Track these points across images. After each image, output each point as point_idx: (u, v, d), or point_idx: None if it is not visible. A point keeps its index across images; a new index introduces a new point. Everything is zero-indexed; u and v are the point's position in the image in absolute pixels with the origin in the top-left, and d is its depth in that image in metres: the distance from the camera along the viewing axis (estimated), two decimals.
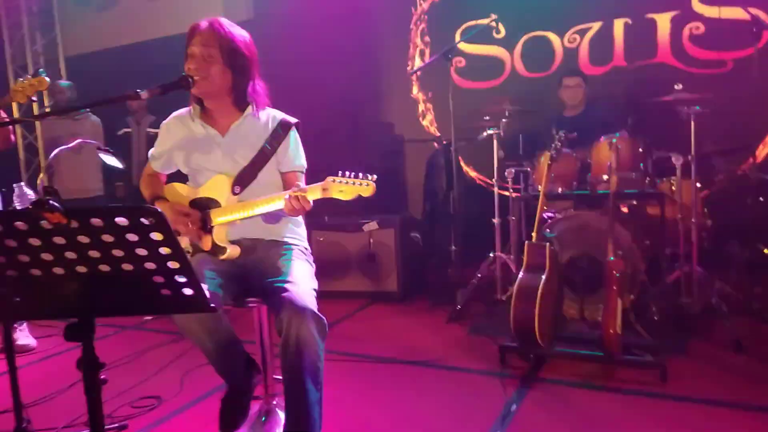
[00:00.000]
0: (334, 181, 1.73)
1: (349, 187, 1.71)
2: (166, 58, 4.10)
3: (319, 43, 4.60)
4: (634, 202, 3.34)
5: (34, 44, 5.67)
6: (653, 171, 3.26)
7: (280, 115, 2.05)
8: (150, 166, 2.09)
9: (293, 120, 2.06)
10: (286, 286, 1.73)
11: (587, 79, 3.75)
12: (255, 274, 1.92)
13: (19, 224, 1.00)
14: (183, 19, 5.03)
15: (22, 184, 2.02)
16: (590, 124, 3.49)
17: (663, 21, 3.91)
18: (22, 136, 5.65)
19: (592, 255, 2.95)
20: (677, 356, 2.63)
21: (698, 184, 3.14)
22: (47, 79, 2.48)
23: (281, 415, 2.16)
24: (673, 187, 3.24)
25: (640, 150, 3.20)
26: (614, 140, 2.86)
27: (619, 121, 3.41)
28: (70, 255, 1.06)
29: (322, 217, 4.05)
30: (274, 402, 2.20)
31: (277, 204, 1.81)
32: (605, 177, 3.04)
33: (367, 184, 1.71)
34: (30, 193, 2.04)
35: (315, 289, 1.83)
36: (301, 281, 1.79)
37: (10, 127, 2.78)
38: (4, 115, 2.82)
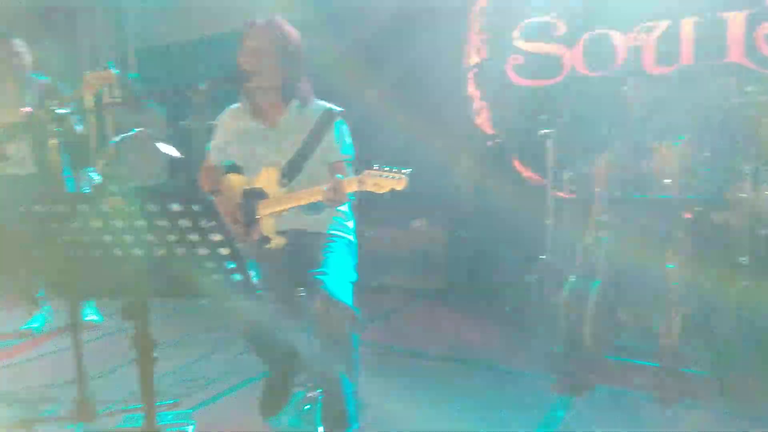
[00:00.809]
0: (369, 174, 1.74)
1: (383, 180, 1.71)
2: (230, 52, 4.25)
3: (375, 37, 4.62)
4: (698, 209, 3.18)
5: (106, 37, 5.96)
6: (720, 177, 3.09)
7: (326, 105, 2.08)
8: (208, 159, 2.17)
9: (338, 109, 2.09)
10: (322, 277, 1.77)
11: (651, 79, 3.59)
12: (298, 265, 1.97)
13: (82, 207, 1.06)
14: (249, 15, 5.17)
15: (90, 169, 2.15)
16: (654, 126, 3.34)
17: (736, 20, 3.70)
18: (94, 125, 5.96)
19: (650, 262, 2.84)
20: (737, 372, 2.49)
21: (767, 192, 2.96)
22: (115, 71, 2.61)
23: None
24: (742, 195, 3.06)
25: (707, 154, 3.05)
26: (679, 143, 2.73)
27: (686, 123, 3.25)
28: (128, 238, 1.12)
29: (371, 212, 4.07)
30: (318, 390, 2.24)
31: (317, 195, 1.84)
32: (667, 181, 2.91)
33: (399, 178, 1.70)
34: (96, 179, 2.17)
35: (352, 282, 1.85)
36: (338, 273, 1.81)
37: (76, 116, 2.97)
38: (74, 105, 2.99)
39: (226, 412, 2.31)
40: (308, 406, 2.23)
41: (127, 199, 1.01)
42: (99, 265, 1.18)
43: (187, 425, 2.15)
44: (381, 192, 1.72)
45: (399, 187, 1.69)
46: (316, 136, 2.03)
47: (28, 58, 3.34)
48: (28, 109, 3.23)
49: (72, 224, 1.11)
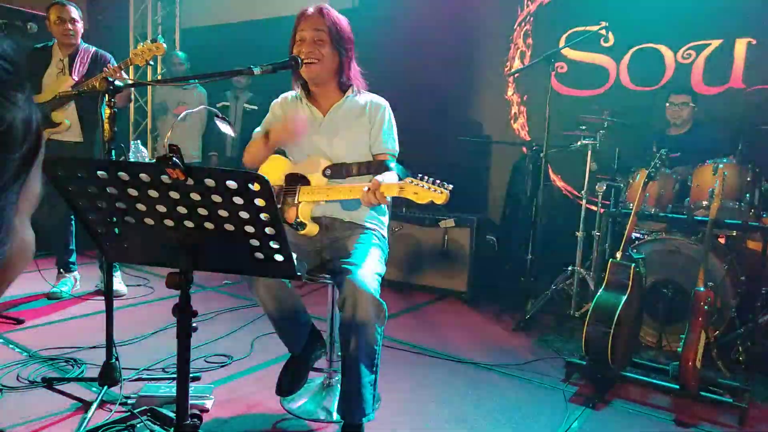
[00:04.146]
0: (411, 182, 1.76)
1: (424, 192, 1.74)
2: (273, 37, 4.30)
3: (419, 34, 4.62)
4: (734, 234, 3.13)
5: (155, 14, 6.08)
6: (760, 203, 3.03)
7: (376, 98, 2.11)
8: (255, 139, 2.20)
9: (384, 102, 2.12)
10: (352, 267, 1.79)
11: (697, 98, 3.53)
12: (329, 252, 2.00)
13: (143, 176, 1.10)
14: (293, 1, 5.22)
15: (138, 141, 2.22)
16: (695, 146, 3.29)
17: None
18: (133, 99, 6.10)
19: (679, 282, 2.81)
20: (760, 401, 2.45)
21: None
22: (164, 45, 2.67)
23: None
24: None
25: (748, 179, 2.99)
26: (721, 165, 2.69)
27: (728, 146, 3.19)
28: (181, 209, 1.16)
29: (401, 208, 4.09)
30: (337, 377, 2.28)
31: (356, 194, 1.88)
32: (705, 203, 2.87)
33: (441, 192, 1.73)
34: (143, 151, 2.23)
35: (380, 275, 1.88)
36: (368, 264, 1.84)
37: (130, 89, 3.03)
38: (126, 76, 3.06)
39: (244, 390, 2.36)
40: (324, 392, 2.27)
41: (186, 172, 1.05)
42: (150, 234, 1.22)
43: (207, 400, 2.20)
44: (419, 202, 1.75)
45: (439, 202, 1.72)
46: (365, 128, 2.06)
47: (81, 27, 3.42)
48: (74, 78, 3.32)
49: (128, 192, 1.16)
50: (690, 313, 2.44)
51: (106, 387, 2.19)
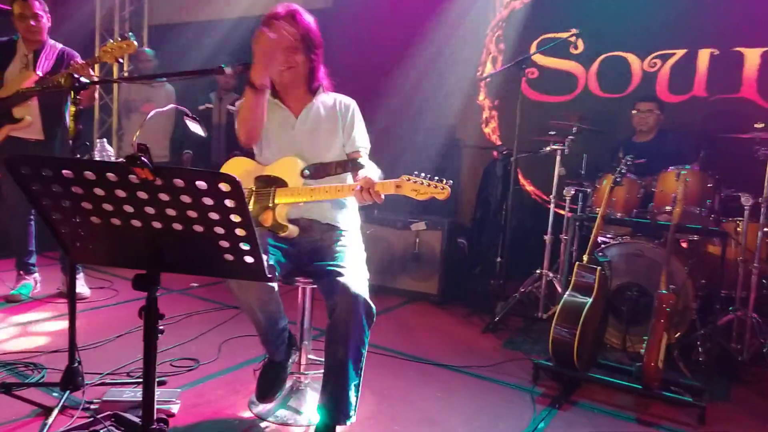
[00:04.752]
0: (408, 179, 1.78)
1: (424, 188, 1.76)
2: (242, 37, 4.26)
3: (392, 37, 4.64)
4: (695, 238, 3.23)
5: (122, 10, 5.96)
6: (720, 209, 3.14)
7: (343, 97, 2.11)
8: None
9: (351, 100, 2.13)
10: (342, 271, 1.78)
11: (663, 106, 3.64)
12: (308, 255, 1.98)
13: (110, 175, 1.07)
14: (264, 1, 5.17)
15: (104, 140, 2.16)
16: (660, 153, 3.39)
17: (752, 55, 3.75)
18: (98, 96, 5.95)
19: (643, 285, 2.88)
20: (718, 401, 2.53)
21: (766, 228, 3.01)
22: (135, 42, 2.61)
23: (310, 394, 2.22)
24: (739, 228, 3.11)
25: (709, 185, 3.10)
26: (683, 172, 2.77)
27: (691, 153, 3.30)
28: (149, 210, 1.14)
29: (372, 210, 4.09)
30: (306, 381, 2.26)
31: (345, 194, 1.87)
32: (668, 208, 2.95)
33: (443, 188, 1.76)
34: (109, 150, 2.18)
35: (367, 278, 1.88)
36: (356, 268, 1.84)
37: (96, 86, 2.96)
38: (93, 73, 2.99)
39: (212, 394, 2.32)
40: (294, 395, 2.25)
41: (154, 172, 1.03)
42: (117, 235, 1.19)
43: (173, 404, 2.16)
44: (419, 199, 1.76)
45: (441, 197, 1.74)
46: (337, 128, 2.06)
47: (46, 22, 3.32)
48: (39, 74, 3.22)
49: (95, 192, 1.13)
50: (653, 315, 2.51)
51: (68, 392, 2.12)
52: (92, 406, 2.10)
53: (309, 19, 1.99)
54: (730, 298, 3.09)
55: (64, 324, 2.16)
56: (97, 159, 2.61)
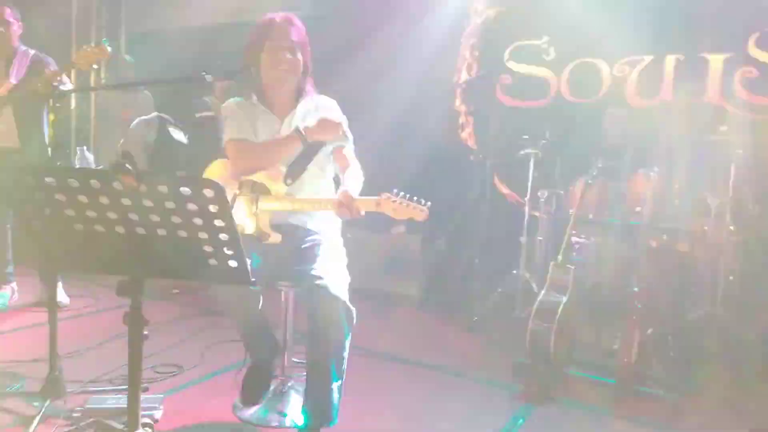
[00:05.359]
0: (388, 198, 1.82)
1: (402, 208, 1.81)
2: (222, 44, 4.27)
3: (366, 43, 4.68)
4: (665, 238, 3.33)
5: (99, 17, 5.91)
6: (688, 209, 3.25)
7: (324, 99, 2.16)
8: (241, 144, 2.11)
9: (332, 101, 2.17)
10: (322, 275, 1.82)
11: (632, 111, 3.75)
12: (289, 260, 2.01)
13: (94, 182, 1.10)
14: (243, 8, 5.19)
15: (84, 148, 2.16)
16: (630, 155, 3.49)
17: (716, 62, 3.89)
18: (75, 104, 5.89)
19: (615, 284, 2.97)
20: (689, 394, 2.62)
21: (731, 228, 3.12)
22: (109, 48, 2.61)
23: (294, 397, 2.25)
24: (706, 228, 3.22)
25: (677, 187, 3.21)
26: (652, 174, 2.87)
27: (660, 156, 3.41)
28: (133, 216, 1.16)
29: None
30: (289, 383, 2.29)
31: (326, 207, 1.91)
32: (638, 209, 3.05)
33: (421, 210, 1.80)
34: (90, 157, 2.18)
35: (348, 282, 1.92)
36: (337, 272, 1.88)
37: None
38: (67, 80, 2.98)
39: (195, 400, 2.33)
40: (277, 398, 2.27)
41: (138, 178, 1.06)
42: (100, 242, 1.22)
43: (155, 410, 2.17)
44: (398, 218, 1.80)
45: (419, 218, 1.79)
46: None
47: (17, 29, 3.29)
48: (12, 82, 3.19)
49: (78, 199, 1.15)
50: (626, 313, 2.59)
51: (49, 400, 2.12)
52: (74, 414, 2.10)
53: (302, 27, 2.06)
54: (699, 295, 3.19)
55: (43, 333, 2.15)
56: (78, 167, 2.62)
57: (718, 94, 3.89)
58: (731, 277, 3.19)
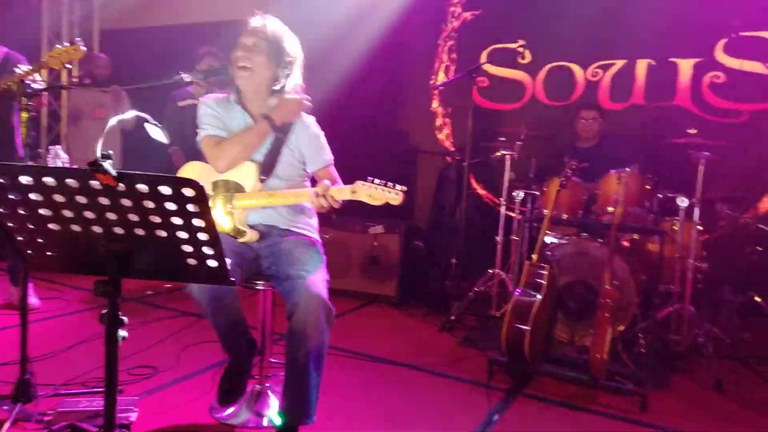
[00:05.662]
0: (363, 185, 1.84)
1: (378, 193, 1.82)
2: (197, 43, 4.23)
3: (345, 45, 4.70)
4: (636, 237, 3.42)
5: (71, 14, 5.80)
6: (658, 209, 3.35)
7: (305, 117, 2.16)
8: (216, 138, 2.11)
9: (310, 117, 2.17)
10: (301, 273, 1.83)
11: (604, 114, 3.84)
12: (267, 260, 2.01)
13: (70, 181, 1.09)
14: (215, 8, 5.15)
15: (58, 147, 2.12)
16: (602, 157, 3.58)
17: (685, 66, 4.01)
18: (47, 103, 5.77)
19: (588, 282, 3.03)
20: (659, 389, 2.70)
21: (700, 227, 3.22)
22: (83, 48, 2.57)
23: (272, 397, 2.25)
24: (675, 227, 3.32)
25: (648, 187, 3.30)
26: (623, 175, 2.94)
27: (631, 157, 3.48)
28: (111, 216, 1.16)
29: (330, 215, 4.13)
30: (267, 384, 2.29)
31: (303, 199, 1.92)
32: (610, 209, 3.12)
33: (397, 194, 1.82)
34: (64, 157, 2.13)
35: (327, 280, 1.93)
36: (316, 271, 1.88)
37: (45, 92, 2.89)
38: (39, 78, 2.92)
39: (171, 401, 2.31)
40: (255, 399, 2.27)
41: (117, 177, 1.05)
42: (76, 242, 1.21)
43: (130, 413, 2.14)
44: (374, 204, 1.82)
45: (395, 202, 1.80)
46: (297, 141, 2.10)
47: None
48: None
49: (53, 198, 1.14)
50: (598, 310, 2.65)
51: (19, 404, 2.08)
52: (46, 418, 2.07)
53: (285, 30, 2.06)
54: (668, 292, 3.28)
55: (13, 336, 2.11)
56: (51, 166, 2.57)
57: (687, 98, 4.01)
58: (700, 276, 3.29)
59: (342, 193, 1.86)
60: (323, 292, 1.81)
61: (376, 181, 1.84)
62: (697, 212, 3.19)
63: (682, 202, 3.20)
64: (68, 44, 2.56)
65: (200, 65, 4.06)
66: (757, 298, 3.07)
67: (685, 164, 3.26)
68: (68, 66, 2.56)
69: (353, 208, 1.98)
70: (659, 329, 3.16)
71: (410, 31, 4.81)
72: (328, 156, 2.17)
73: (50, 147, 2.05)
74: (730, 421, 2.46)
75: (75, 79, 5.45)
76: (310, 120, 2.17)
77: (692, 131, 3.21)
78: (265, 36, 1.99)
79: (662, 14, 3.98)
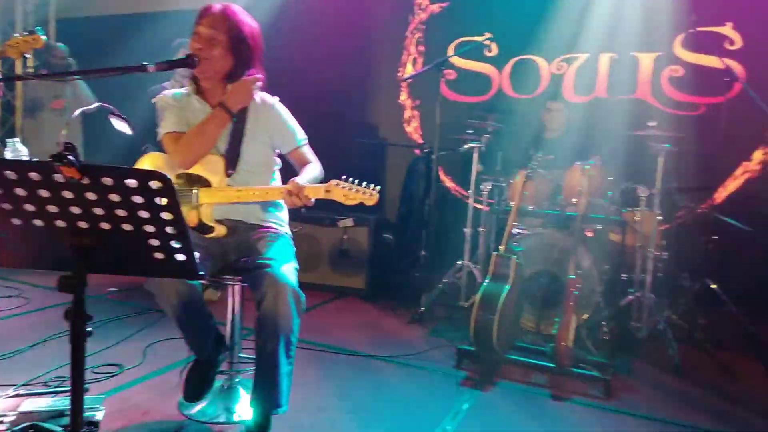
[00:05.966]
0: (337, 185, 1.83)
1: (353, 194, 1.82)
2: (160, 32, 4.13)
3: (313, 37, 4.67)
4: (599, 227, 3.50)
5: (26, 2, 5.58)
6: (620, 200, 3.44)
7: (265, 96, 2.11)
8: (166, 144, 2.06)
9: (273, 98, 2.12)
10: (269, 262, 1.81)
11: (569, 106, 3.92)
12: (234, 255, 1.99)
13: (32, 175, 1.06)
14: None
15: (16, 140, 2.03)
16: (567, 149, 3.65)
17: (646, 60, 4.11)
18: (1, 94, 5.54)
19: (553, 272, 3.10)
20: (622, 374, 2.79)
21: (659, 217, 3.32)
22: (44, 38, 2.49)
23: (243, 392, 2.23)
24: (636, 217, 3.42)
25: (610, 179, 3.39)
26: (587, 167, 3.01)
27: (594, 149, 3.58)
28: (75, 210, 1.13)
29: (299, 209, 4.10)
30: (237, 379, 2.27)
31: (273, 197, 1.89)
32: (575, 200, 3.20)
33: (371, 195, 1.82)
34: (23, 149, 2.05)
35: (297, 269, 1.92)
36: (284, 258, 1.87)
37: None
38: None
39: (138, 399, 2.28)
40: (225, 394, 2.25)
41: (81, 170, 1.03)
42: (39, 236, 1.17)
43: (97, 411, 2.10)
44: (348, 204, 1.81)
45: (369, 203, 1.80)
46: (261, 127, 2.06)
47: None
48: None
49: (15, 192, 1.11)
50: (563, 299, 2.72)
51: None
52: (7, 419, 2.01)
53: (244, 19, 1.98)
54: (630, 280, 3.39)
55: None
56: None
57: (647, 91, 4.12)
58: (660, 264, 3.40)
59: (316, 192, 1.84)
60: (292, 278, 1.80)
61: (351, 180, 1.84)
62: (657, 202, 3.29)
63: (643, 192, 3.30)
64: (27, 33, 2.47)
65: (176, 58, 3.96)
66: (713, 285, 3.18)
67: (645, 156, 3.36)
68: (27, 56, 2.45)
69: (322, 200, 1.97)
70: (621, 316, 3.26)
71: (378, 23, 4.80)
72: (300, 136, 2.12)
73: (7, 140, 1.98)
74: (690, 402, 2.56)
75: (30, 70, 5.26)
76: (273, 101, 2.10)
77: (652, 123, 3.30)
78: (223, 24, 1.91)
79: (624, 9, 4.08)
